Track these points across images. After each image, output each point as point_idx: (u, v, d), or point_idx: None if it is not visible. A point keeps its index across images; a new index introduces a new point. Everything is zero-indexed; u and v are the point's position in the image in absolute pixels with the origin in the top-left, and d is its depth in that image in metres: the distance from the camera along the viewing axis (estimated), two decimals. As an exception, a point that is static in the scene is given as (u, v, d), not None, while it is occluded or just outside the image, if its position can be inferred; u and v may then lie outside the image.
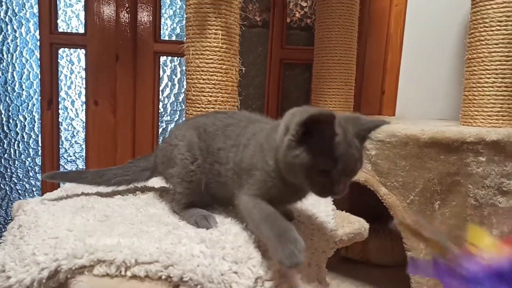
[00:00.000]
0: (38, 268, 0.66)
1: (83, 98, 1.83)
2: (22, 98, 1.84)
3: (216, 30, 1.17)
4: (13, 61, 1.82)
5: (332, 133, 0.67)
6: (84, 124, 1.83)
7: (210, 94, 1.19)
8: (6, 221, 1.85)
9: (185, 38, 1.23)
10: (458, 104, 1.35)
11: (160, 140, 1.87)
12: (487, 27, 1.20)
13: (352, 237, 0.94)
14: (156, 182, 1.06)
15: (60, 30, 1.80)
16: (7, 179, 1.87)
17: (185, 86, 1.88)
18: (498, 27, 1.18)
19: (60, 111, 1.84)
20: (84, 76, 1.81)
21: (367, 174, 1.20)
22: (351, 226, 0.96)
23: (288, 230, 0.67)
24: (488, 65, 1.21)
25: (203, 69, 1.19)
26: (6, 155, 1.86)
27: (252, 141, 0.81)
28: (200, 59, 1.18)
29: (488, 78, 1.21)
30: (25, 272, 0.67)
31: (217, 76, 1.19)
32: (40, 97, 1.80)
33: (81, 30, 1.81)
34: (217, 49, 1.18)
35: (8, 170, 1.86)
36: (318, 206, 0.99)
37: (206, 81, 1.19)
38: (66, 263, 0.65)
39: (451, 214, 1.15)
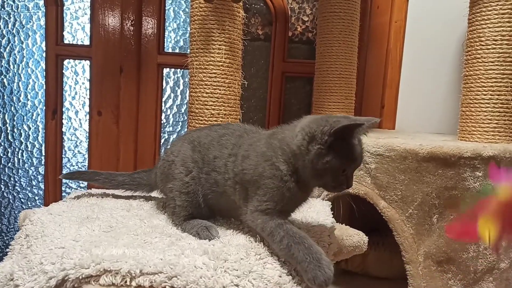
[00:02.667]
0: (46, 277, 0.68)
1: (86, 109, 1.86)
2: (27, 108, 1.87)
3: (220, 45, 1.20)
4: (19, 72, 1.85)
5: (352, 137, 0.75)
6: (87, 134, 1.85)
7: (213, 107, 1.22)
8: (8, 229, 1.87)
9: (189, 52, 1.26)
10: (455, 119, 1.38)
11: (162, 151, 1.89)
12: (483, 45, 1.23)
13: (351, 250, 0.96)
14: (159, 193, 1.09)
15: (65, 41, 1.83)
16: (10, 187, 1.89)
17: (187, 98, 1.91)
18: (494, 46, 1.21)
19: (64, 121, 1.86)
20: (88, 87, 1.84)
21: (366, 187, 1.22)
22: (350, 239, 0.97)
23: (321, 253, 0.73)
24: (484, 82, 1.24)
25: (206, 83, 1.22)
26: (10, 164, 1.88)
27: (252, 151, 0.83)
28: (204, 73, 1.21)
29: (485, 94, 1.24)
30: (33, 281, 0.68)
31: (220, 90, 1.22)
32: (44, 107, 1.82)
33: (86, 42, 1.84)
34: (221, 63, 1.21)
35: (12, 178, 1.88)
36: (317, 218, 1.01)
37: (210, 94, 1.22)
38: (73, 272, 0.67)
39: (448, 227, 1.17)
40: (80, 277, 0.67)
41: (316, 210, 1.08)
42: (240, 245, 0.80)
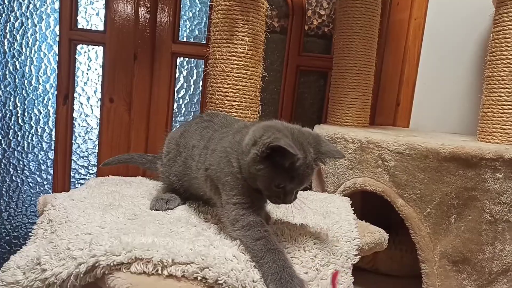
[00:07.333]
0: (75, 262, 0.67)
1: (98, 95, 1.84)
2: (38, 92, 1.85)
3: (243, 36, 1.19)
4: (32, 55, 1.83)
5: (293, 159, 0.70)
6: (98, 121, 1.84)
7: (233, 99, 1.21)
8: (16, 212, 1.86)
9: (205, 41, 1.24)
10: (471, 119, 1.37)
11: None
12: (508, 46, 1.22)
13: (373, 246, 0.96)
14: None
15: (79, 26, 1.81)
16: (19, 171, 1.88)
17: (200, 88, 1.89)
18: (521, 47, 1.20)
19: (75, 107, 1.84)
20: (101, 73, 1.82)
21: (384, 185, 1.22)
22: (371, 235, 0.97)
23: (294, 270, 0.70)
24: (508, 84, 1.23)
25: (228, 74, 1.20)
26: (19, 148, 1.86)
27: (219, 146, 0.84)
28: (226, 64, 1.20)
29: (508, 96, 1.23)
30: (61, 266, 0.68)
31: (241, 81, 1.21)
32: (56, 92, 1.80)
33: (101, 27, 1.82)
34: (243, 55, 1.20)
35: (21, 162, 1.87)
36: (340, 214, 1.01)
37: (231, 86, 1.20)
38: (105, 259, 0.66)
39: (466, 228, 1.16)
40: (111, 264, 0.66)
41: (336, 205, 1.08)
42: (266, 238, 0.79)
